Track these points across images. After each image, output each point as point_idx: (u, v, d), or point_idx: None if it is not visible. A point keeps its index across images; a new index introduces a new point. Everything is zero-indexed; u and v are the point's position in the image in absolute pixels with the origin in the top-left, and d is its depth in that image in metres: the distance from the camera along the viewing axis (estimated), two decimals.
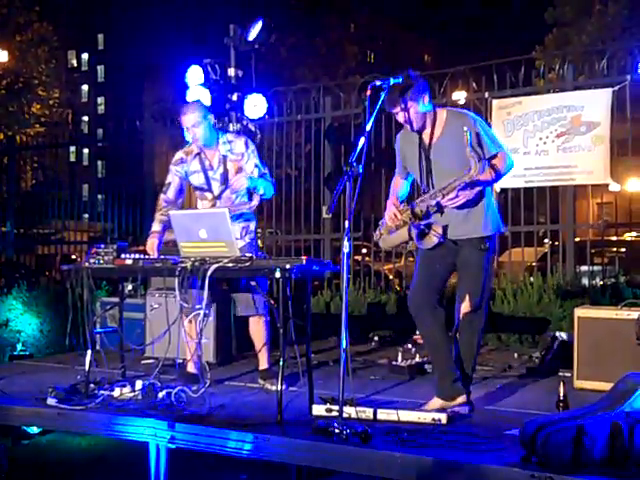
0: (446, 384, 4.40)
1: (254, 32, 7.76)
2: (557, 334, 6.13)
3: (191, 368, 5.24)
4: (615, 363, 4.83)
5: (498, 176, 4.36)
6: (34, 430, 5.35)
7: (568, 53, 11.57)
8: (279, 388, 4.19)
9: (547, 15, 24.34)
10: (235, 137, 5.34)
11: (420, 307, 4.42)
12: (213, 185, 5.26)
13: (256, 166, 5.22)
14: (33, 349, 7.92)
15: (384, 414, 4.10)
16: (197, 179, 5.31)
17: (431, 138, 4.38)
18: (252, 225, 5.34)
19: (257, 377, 5.32)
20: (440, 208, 4.27)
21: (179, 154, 5.38)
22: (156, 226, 5.23)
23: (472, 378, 4.53)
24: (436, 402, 4.40)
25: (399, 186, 4.62)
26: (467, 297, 4.35)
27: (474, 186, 4.21)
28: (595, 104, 7.44)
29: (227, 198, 5.23)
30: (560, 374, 5.60)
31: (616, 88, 7.36)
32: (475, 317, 4.38)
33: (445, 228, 4.29)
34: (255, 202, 5.35)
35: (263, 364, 5.29)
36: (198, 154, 5.27)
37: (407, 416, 4.06)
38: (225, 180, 5.23)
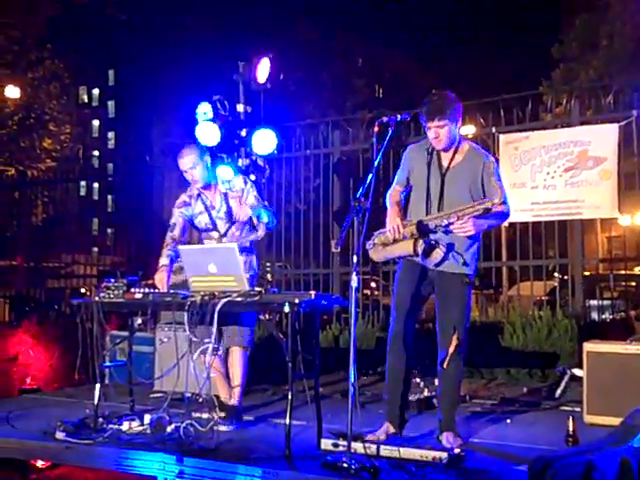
0: (401, 410, 4.60)
1: (263, 72, 7.84)
2: (566, 369, 6.12)
3: (233, 402, 5.19)
4: (625, 398, 4.80)
5: (500, 222, 4.60)
6: (43, 464, 5.33)
7: (575, 88, 11.66)
8: (287, 422, 4.19)
9: (554, 50, 24.55)
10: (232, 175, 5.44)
11: (401, 342, 4.53)
12: (218, 224, 5.31)
13: (256, 199, 5.29)
14: (42, 383, 7.92)
15: (387, 450, 4.07)
16: (203, 220, 5.36)
17: (450, 162, 4.46)
18: (254, 260, 5.37)
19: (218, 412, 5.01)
20: (447, 230, 4.33)
21: (183, 197, 5.43)
22: (164, 260, 5.23)
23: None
24: (390, 428, 4.56)
25: (398, 196, 4.63)
26: (456, 330, 4.39)
27: (485, 220, 4.33)
28: (602, 139, 7.48)
29: (232, 234, 5.30)
30: (565, 408, 5.60)
31: (623, 123, 7.40)
32: (463, 349, 4.44)
33: (451, 247, 4.34)
34: (261, 232, 5.34)
35: (234, 400, 5.17)
36: (199, 195, 5.33)
37: (409, 454, 4.02)
38: (230, 217, 5.28)
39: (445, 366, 4.42)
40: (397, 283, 4.60)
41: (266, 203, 5.38)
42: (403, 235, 4.39)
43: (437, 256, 4.33)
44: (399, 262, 4.62)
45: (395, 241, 4.43)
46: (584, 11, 23.58)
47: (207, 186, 5.29)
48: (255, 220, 5.25)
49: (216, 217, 5.31)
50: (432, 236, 4.36)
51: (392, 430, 4.55)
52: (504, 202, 4.41)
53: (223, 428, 4.83)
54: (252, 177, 7.82)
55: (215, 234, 5.33)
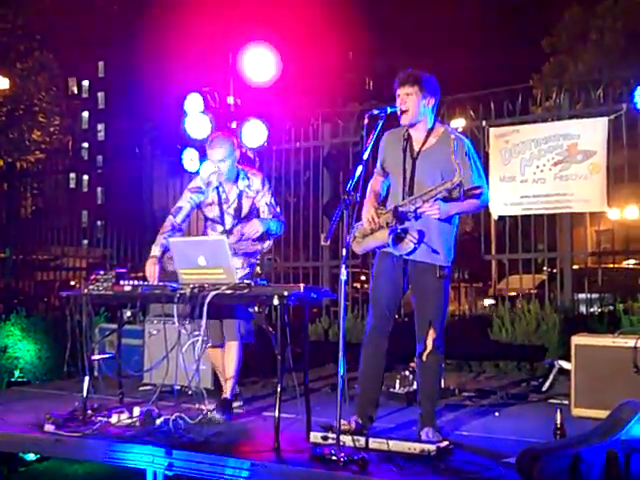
0: (373, 407, 4.53)
1: (256, 68, 7.80)
2: (554, 362, 6.15)
3: (226, 394, 5.21)
4: (612, 391, 4.83)
5: (477, 208, 4.47)
6: (31, 457, 5.32)
7: (565, 82, 11.67)
8: (276, 415, 4.20)
9: (544, 43, 24.57)
10: (254, 174, 5.34)
11: (378, 337, 4.51)
12: (226, 219, 5.30)
13: (269, 205, 5.27)
14: (31, 376, 7.90)
15: (376, 443, 4.08)
16: (211, 211, 5.35)
17: (422, 145, 4.40)
18: (253, 259, 5.38)
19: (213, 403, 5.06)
20: (417, 215, 4.27)
21: (198, 182, 5.37)
22: (156, 250, 5.18)
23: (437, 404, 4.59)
24: (358, 420, 4.45)
25: (378, 186, 4.60)
26: (432, 323, 4.34)
27: (455, 205, 4.29)
28: (591, 132, 7.49)
29: (238, 232, 5.26)
30: (553, 401, 5.63)
31: (612, 117, 7.41)
32: (440, 343, 4.38)
33: (422, 234, 4.25)
34: (267, 244, 5.39)
35: (227, 393, 5.20)
36: (217, 188, 5.28)
37: (397, 446, 4.04)
38: (238, 215, 5.27)
39: (424, 359, 4.38)
40: (373, 277, 4.55)
41: (278, 209, 5.34)
42: (379, 225, 4.36)
43: (406, 246, 4.24)
44: (376, 254, 4.56)
45: (372, 231, 4.39)
46: (575, 4, 23.62)
47: (228, 180, 5.24)
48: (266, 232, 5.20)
49: (226, 212, 5.30)
50: (407, 223, 4.29)
51: (359, 422, 4.45)
52: (478, 186, 4.36)
53: (217, 417, 4.84)
54: None
55: (220, 227, 5.32)
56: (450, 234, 4.40)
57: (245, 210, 5.28)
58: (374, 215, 4.37)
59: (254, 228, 5.08)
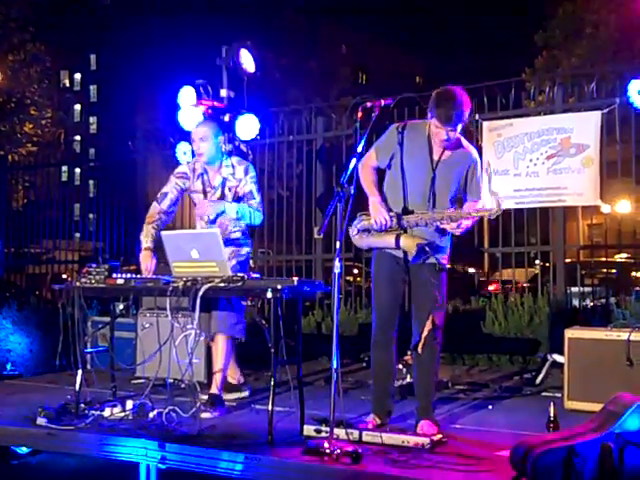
0: (387, 401, 4.58)
1: (250, 60, 7.78)
2: (548, 355, 6.16)
3: (213, 389, 5.18)
4: (605, 384, 4.84)
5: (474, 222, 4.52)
6: (23, 450, 5.31)
7: (558, 75, 11.66)
8: (270, 408, 4.20)
9: (537, 38, 24.54)
10: (238, 162, 5.37)
11: (387, 332, 4.52)
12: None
13: (250, 192, 5.28)
14: (23, 369, 7.88)
15: (369, 436, 4.09)
16: (197, 199, 5.37)
17: (441, 155, 4.39)
18: (243, 250, 5.37)
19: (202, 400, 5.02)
20: (437, 228, 4.33)
21: (184, 168, 5.44)
22: (148, 241, 5.20)
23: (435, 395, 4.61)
24: (376, 419, 4.51)
25: (374, 177, 4.52)
26: (430, 315, 4.36)
27: (472, 219, 4.34)
28: (584, 126, 7.47)
29: (221, 223, 5.26)
30: (546, 394, 5.64)
31: (605, 110, 7.40)
32: (438, 334, 4.41)
33: (431, 243, 4.33)
34: (247, 247, 5.43)
35: (214, 388, 5.15)
36: (201, 175, 5.32)
37: (391, 439, 4.04)
38: None
39: (420, 351, 4.39)
40: (374, 280, 4.57)
41: (258, 198, 5.32)
42: (389, 227, 4.34)
43: (422, 256, 4.33)
44: (373, 253, 4.59)
45: (380, 230, 4.37)
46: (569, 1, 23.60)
47: (211, 164, 5.29)
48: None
49: (209, 201, 5.28)
50: (415, 229, 4.34)
51: (378, 421, 4.51)
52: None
53: (206, 415, 4.82)
54: None
55: (205, 217, 5.31)
56: (450, 233, 4.47)
57: (228, 199, 5.29)
58: (388, 220, 4.33)
59: (210, 209, 5.14)
